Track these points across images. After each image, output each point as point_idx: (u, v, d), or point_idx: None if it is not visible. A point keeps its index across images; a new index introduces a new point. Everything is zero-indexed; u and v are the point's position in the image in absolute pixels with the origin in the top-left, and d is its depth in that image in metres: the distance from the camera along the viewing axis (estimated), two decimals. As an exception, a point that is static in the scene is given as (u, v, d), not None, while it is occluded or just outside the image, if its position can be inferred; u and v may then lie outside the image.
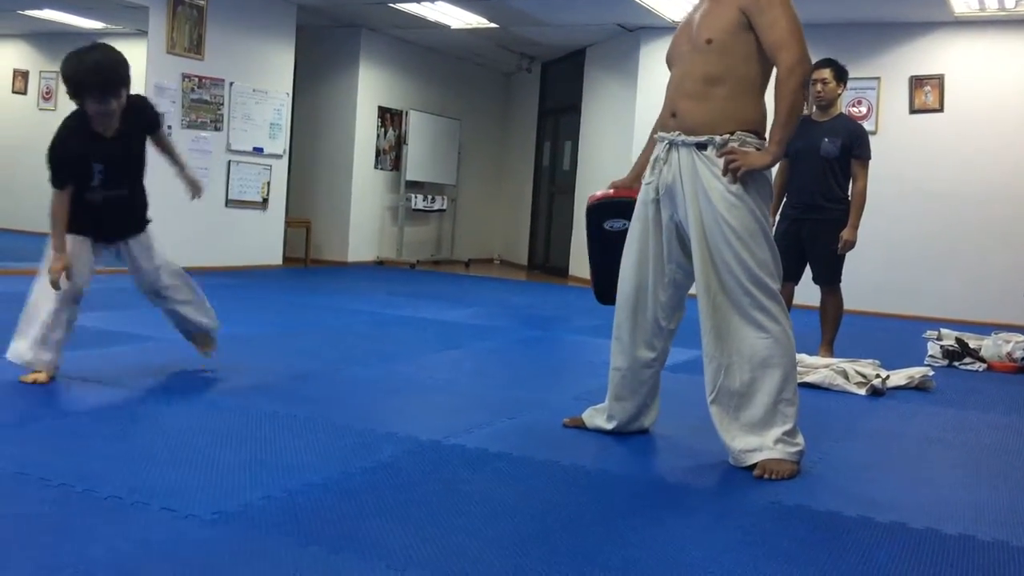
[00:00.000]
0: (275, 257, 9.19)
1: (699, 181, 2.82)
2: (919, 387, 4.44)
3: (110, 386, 3.47)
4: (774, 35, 2.77)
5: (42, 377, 3.36)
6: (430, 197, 11.07)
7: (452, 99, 11.45)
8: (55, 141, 3.34)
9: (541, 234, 11.81)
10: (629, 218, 3.07)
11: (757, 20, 2.78)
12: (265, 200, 8.95)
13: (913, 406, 4.08)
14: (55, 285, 3.25)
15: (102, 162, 3.40)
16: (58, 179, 3.33)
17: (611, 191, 3.25)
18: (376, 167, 10.46)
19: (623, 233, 3.09)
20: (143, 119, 3.56)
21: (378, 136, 10.44)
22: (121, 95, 3.34)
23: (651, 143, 3.18)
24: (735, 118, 2.83)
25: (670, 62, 3.02)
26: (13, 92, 10.20)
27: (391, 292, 7.67)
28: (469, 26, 9.47)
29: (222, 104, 8.43)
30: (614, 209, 3.16)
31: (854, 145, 4.95)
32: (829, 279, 5.11)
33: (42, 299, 3.36)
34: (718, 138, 2.81)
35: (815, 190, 4.94)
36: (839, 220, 4.97)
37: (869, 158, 5.02)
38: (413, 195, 10.78)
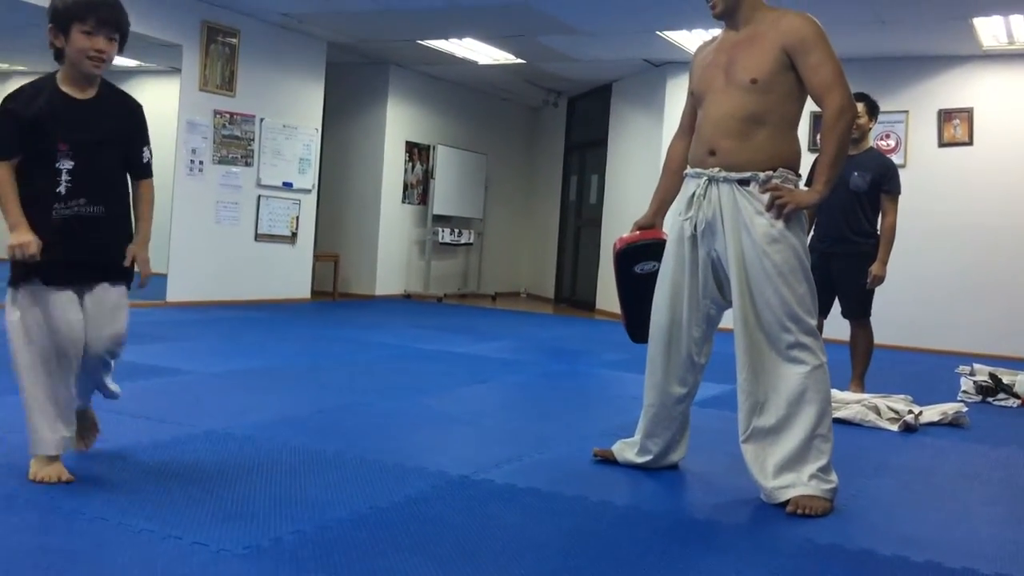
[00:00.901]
0: (303, 291, 9.25)
1: (740, 216, 2.82)
2: (953, 423, 4.38)
3: (143, 419, 3.49)
4: (821, 77, 2.79)
5: (65, 475, 2.60)
6: (457, 231, 11.12)
7: (479, 134, 11.54)
8: (11, 94, 2.60)
9: (568, 268, 11.82)
10: (658, 259, 3.07)
11: (801, 61, 2.80)
12: (294, 234, 9.03)
13: (947, 442, 4.03)
14: (16, 263, 2.56)
15: (70, 148, 2.58)
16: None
17: (638, 233, 3.24)
18: (404, 201, 10.54)
19: (654, 275, 3.09)
20: (133, 123, 2.76)
21: (406, 171, 10.53)
22: (119, 41, 2.67)
23: (668, 179, 3.21)
24: (776, 155, 2.85)
25: (700, 96, 2.99)
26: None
27: (418, 325, 7.69)
28: (496, 62, 9.56)
29: (253, 140, 8.54)
30: (645, 252, 3.16)
31: (884, 180, 4.94)
32: (859, 313, 5.08)
33: (30, 384, 2.64)
34: (761, 175, 2.82)
35: (843, 224, 4.92)
36: (867, 254, 4.94)
37: (899, 193, 5.01)
38: (440, 229, 10.84)
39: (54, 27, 2.58)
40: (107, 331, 2.71)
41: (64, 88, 2.62)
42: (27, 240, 2.50)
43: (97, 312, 2.68)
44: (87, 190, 2.61)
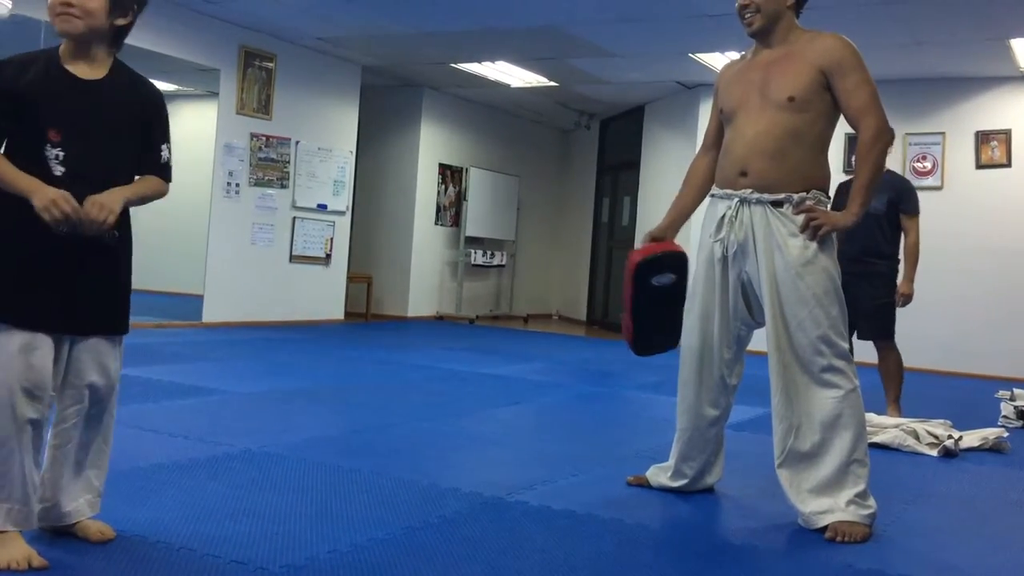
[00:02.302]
0: (337, 312, 9.31)
1: (773, 238, 2.80)
2: (993, 448, 4.31)
3: (180, 438, 3.52)
4: (858, 100, 2.78)
5: (35, 561, 2.05)
6: (489, 253, 11.15)
7: (511, 156, 11.59)
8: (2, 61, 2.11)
9: (600, 290, 11.79)
10: (675, 271, 3.03)
11: (838, 83, 2.79)
12: (328, 256, 9.09)
13: (987, 468, 3.97)
14: (49, 225, 2.02)
15: (63, 138, 2.09)
16: None
17: (654, 245, 3.15)
18: (436, 223, 10.59)
19: (669, 287, 3.04)
20: (149, 114, 2.30)
21: (438, 192, 10.58)
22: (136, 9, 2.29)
23: (687, 193, 3.19)
24: (809, 176, 2.83)
25: (730, 114, 2.96)
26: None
27: (451, 347, 7.70)
28: (529, 84, 9.60)
29: (288, 162, 8.64)
30: (661, 264, 3.09)
31: (901, 200, 4.93)
32: (882, 335, 4.98)
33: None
34: (795, 196, 2.80)
35: (861, 246, 4.87)
36: (885, 275, 4.92)
37: (918, 212, 4.98)
38: (473, 251, 10.87)
39: None
40: (102, 380, 2.24)
41: (65, 64, 2.15)
42: (54, 195, 2.01)
43: (92, 364, 2.21)
44: (82, 191, 2.07)
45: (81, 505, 2.24)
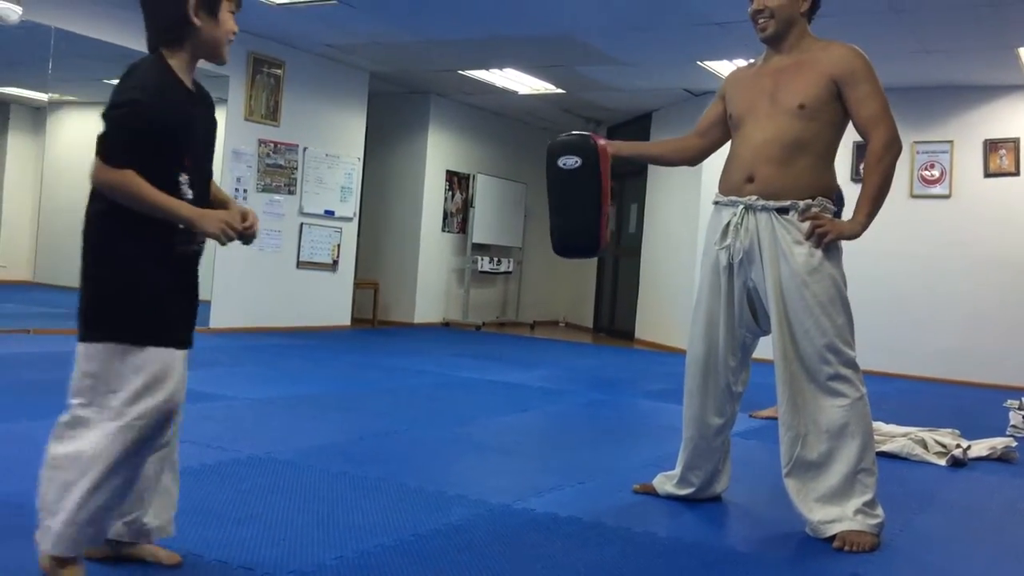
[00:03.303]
0: (344, 318, 9.32)
1: (779, 245, 2.80)
2: (1002, 458, 4.30)
3: (188, 444, 3.52)
4: (869, 110, 2.78)
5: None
6: (496, 259, 11.15)
7: (518, 163, 11.59)
8: (133, 82, 1.99)
9: (607, 297, 11.79)
10: (581, 156, 2.97)
11: (850, 92, 2.79)
12: (335, 262, 9.11)
13: (997, 478, 3.95)
14: (219, 239, 2.04)
15: (192, 162, 2.07)
16: (117, 147, 1.95)
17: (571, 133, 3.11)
18: (443, 230, 10.60)
19: (575, 171, 2.97)
20: (215, 116, 2.27)
21: (446, 199, 10.60)
22: None
23: (656, 144, 3.30)
24: (815, 184, 2.83)
25: (739, 119, 2.96)
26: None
27: (458, 354, 7.70)
28: (536, 92, 9.62)
29: (296, 168, 8.66)
30: (570, 147, 3.02)
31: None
32: None
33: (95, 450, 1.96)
34: (801, 203, 2.80)
35: None
36: None
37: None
38: (479, 257, 10.87)
39: (199, 2, 2.04)
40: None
41: (181, 77, 2.07)
42: (223, 216, 2.03)
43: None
44: (203, 207, 2.08)
45: (164, 523, 2.20)
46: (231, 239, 2.03)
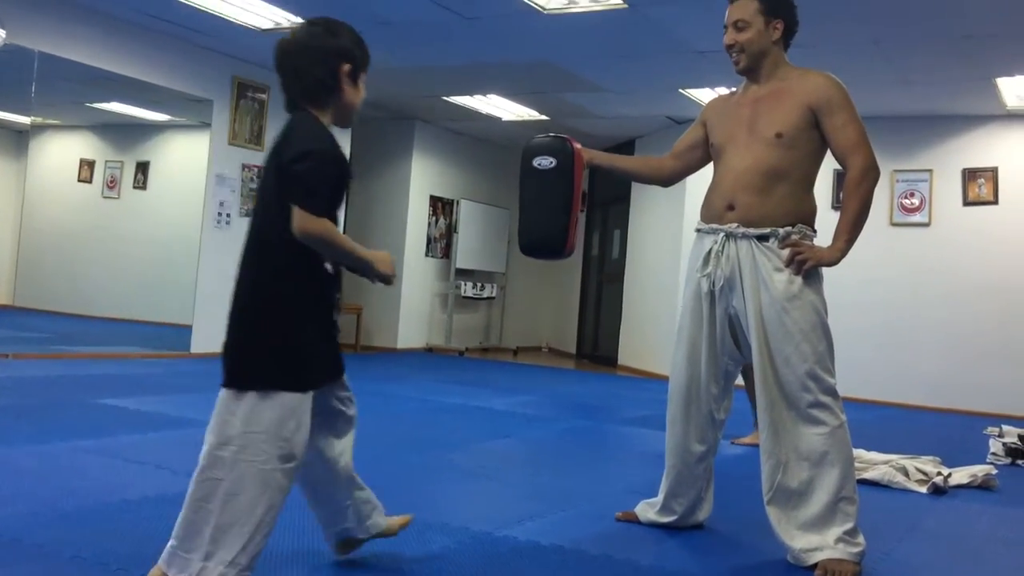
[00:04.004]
0: (326, 343, 9.27)
1: (759, 273, 2.81)
2: (982, 485, 4.31)
3: (167, 471, 3.50)
4: (846, 138, 2.81)
5: None
6: (479, 285, 11.16)
7: (502, 188, 11.62)
8: (322, 143, 2.11)
9: (590, 323, 11.80)
10: (556, 157, 2.97)
11: (827, 120, 2.82)
12: (318, 286, 9.08)
13: (977, 505, 3.96)
14: (388, 280, 2.19)
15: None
16: (321, 197, 2.05)
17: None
18: (427, 255, 10.60)
19: (549, 171, 2.97)
20: None
21: (429, 224, 10.61)
22: None
23: (632, 159, 3.42)
24: (795, 212, 2.85)
25: (720, 148, 3.00)
26: (79, 181, 10.57)
27: (440, 379, 7.68)
28: (520, 118, 9.67)
29: (279, 193, 8.64)
30: (546, 148, 3.02)
31: None
32: None
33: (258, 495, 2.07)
34: (781, 231, 2.82)
35: None
36: None
37: None
38: (463, 282, 10.88)
39: (352, 69, 2.21)
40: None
41: None
42: (388, 256, 2.20)
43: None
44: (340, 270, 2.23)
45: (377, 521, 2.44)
46: (393, 278, 2.20)
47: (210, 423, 2.12)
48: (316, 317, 2.16)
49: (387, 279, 2.18)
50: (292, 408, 2.08)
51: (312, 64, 2.16)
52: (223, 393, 2.12)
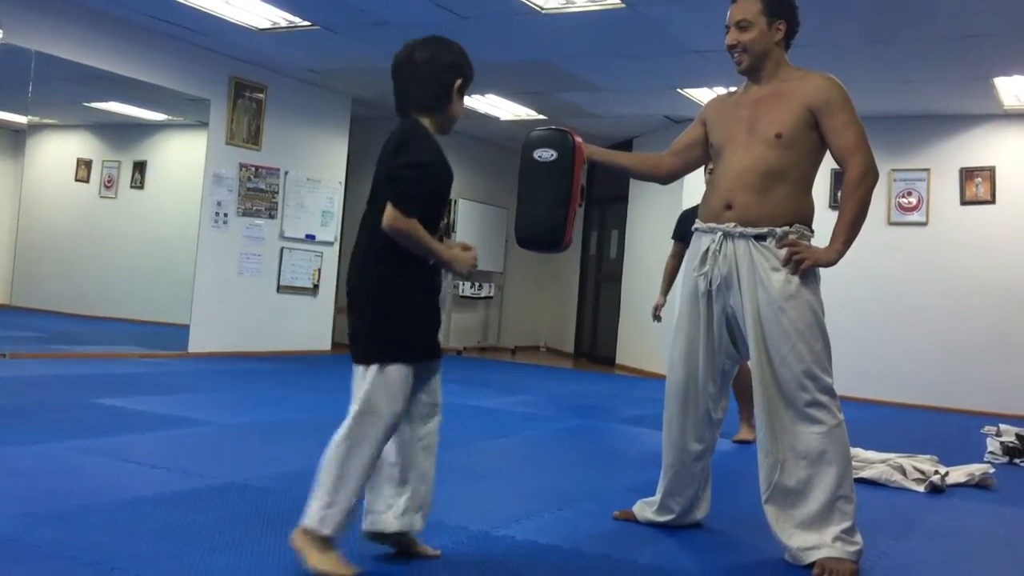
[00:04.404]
0: (324, 343, 9.27)
1: (756, 272, 2.81)
2: (980, 484, 4.31)
3: (163, 470, 3.49)
4: (846, 139, 2.81)
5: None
6: (477, 284, 11.15)
7: (499, 188, 11.62)
8: (428, 144, 2.44)
9: (588, 322, 11.80)
10: (557, 150, 2.95)
11: (826, 122, 2.82)
12: (316, 286, 9.08)
13: (974, 504, 3.96)
14: (466, 277, 2.60)
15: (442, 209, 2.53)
16: (412, 201, 2.34)
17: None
18: (425, 254, 10.59)
19: (550, 164, 2.96)
20: None
21: (427, 224, 10.59)
22: None
23: (632, 156, 3.36)
24: (793, 212, 2.85)
25: (720, 147, 3.00)
26: (76, 180, 10.57)
27: (438, 379, 7.66)
28: (518, 118, 9.67)
29: (277, 192, 8.64)
30: (547, 141, 3.01)
31: None
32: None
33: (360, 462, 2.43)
34: (778, 230, 2.82)
35: None
36: None
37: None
38: (460, 282, 10.87)
39: (462, 84, 2.52)
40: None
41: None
42: (470, 257, 2.46)
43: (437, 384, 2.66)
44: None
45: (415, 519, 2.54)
46: (473, 274, 2.30)
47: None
48: (416, 298, 2.42)
49: (466, 276, 2.35)
50: (398, 379, 2.39)
51: (430, 78, 2.45)
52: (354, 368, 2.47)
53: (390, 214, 2.31)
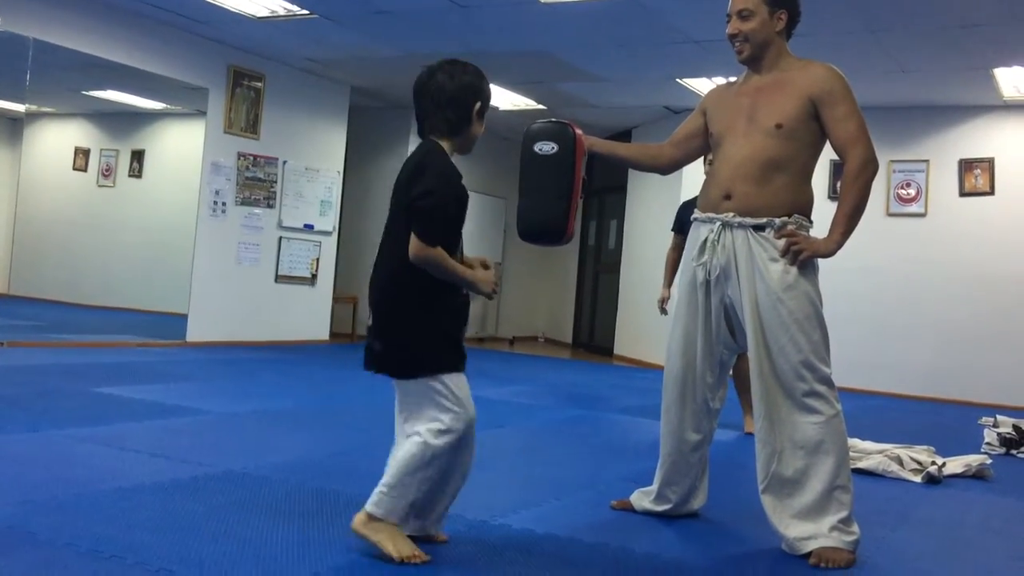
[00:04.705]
0: (322, 333, 9.28)
1: (755, 262, 2.81)
2: (977, 475, 4.32)
3: (162, 458, 3.50)
4: (846, 130, 2.80)
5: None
6: (476, 274, 11.13)
7: (499, 178, 11.61)
8: (443, 170, 2.50)
9: (586, 312, 11.81)
10: (558, 143, 2.93)
11: (827, 112, 2.81)
12: (314, 276, 9.07)
13: (971, 495, 3.97)
14: (489, 296, 2.56)
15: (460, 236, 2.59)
16: (435, 231, 2.43)
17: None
18: (423, 244, 10.57)
19: (551, 157, 2.94)
20: None
21: (426, 214, 10.57)
22: None
23: (631, 146, 3.40)
24: (792, 202, 2.85)
25: (719, 137, 2.99)
26: (74, 169, 10.55)
27: (436, 369, 7.66)
28: (517, 108, 9.65)
29: (275, 182, 8.63)
30: (547, 133, 2.98)
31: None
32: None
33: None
34: (777, 220, 2.81)
35: None
36: None
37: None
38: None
39: (481, 109, 2.57)
40: None
41: None
42: (490, 276, 2.53)
43: None
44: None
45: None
46: (495, 294, 2.57)
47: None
48: (444, 312, 2.50)
49: (488, 295, 2.54)
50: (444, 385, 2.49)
51: (451, 101, 2.51)
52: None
53: (415, 245, 2.40)
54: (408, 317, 2.49)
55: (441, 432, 2.48)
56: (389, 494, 2.46)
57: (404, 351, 2.50)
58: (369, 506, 2.47)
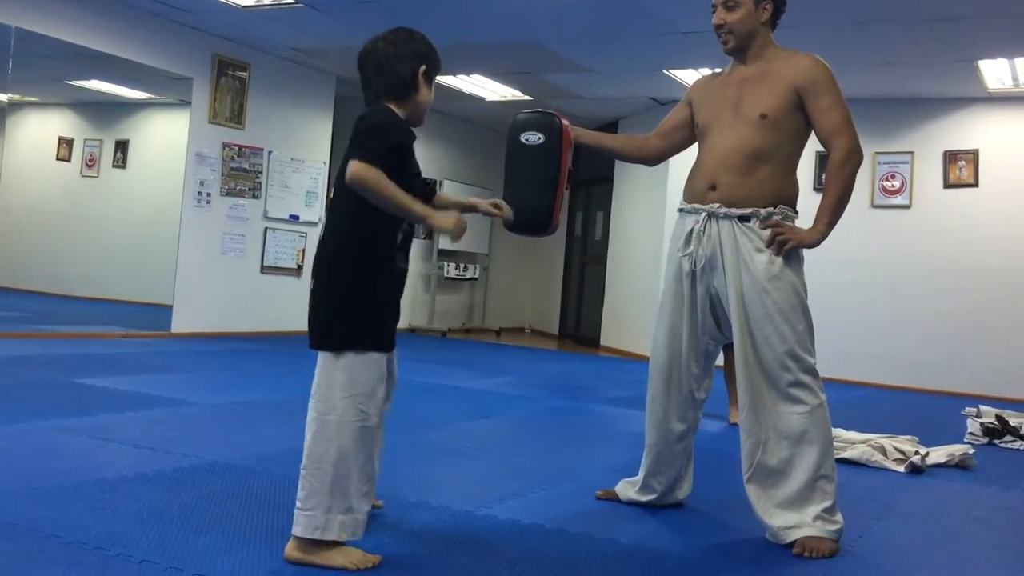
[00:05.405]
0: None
1: (740, 253, 2.82)
2: (960, 465, 4.35)
3: (146, 449, 3.48)
4: (830, 120, 2.81)
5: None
6: (462, 265, 11.14)
7: (485, 169, 11.59)
8: (381, 111, 2.41)
9: (572, 304, 11.82)
10: (544, 133, 2.94)
11: (812, 102, 2.81)
12: (299, 267, 9.04)
13: (954, 485, 4.00)
14: (454, 235, 2.35)
15: (415, 173, 2.48)
16: (370, 149, 2.27)
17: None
18: (409, 235, 10.56)
19: (537, 147, 2.94)
20: None
21: (412, 205, 10.55)
22: None
23: (617, 138, 3.36)
24: (777, 193, 2.85)
25: (705, 128, 2.99)
26: (57, 159, 10.47)
27: (422, 360, 7.67)
28: (503, 98, 9.63)
29: (260, 172, 8.59)
30: (533, 123, 2.99)
31: None
32: None
33: (349, 454, 2.36)
34: (762, 211, 2.82)
35: None
36: None
37: None
38: (446, 263, 10.86)
39: (428, 72, 2.49)
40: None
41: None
42: (457, 217, 2.36)
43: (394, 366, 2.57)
44: (408, 245, 2.48)
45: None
46: (462, 233, 2.34)
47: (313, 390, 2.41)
48: (381, 285, 2.39)
49: (449, 231, 2.33)
50: (377, 366, 2.38)
51: (394, 63, 2.43)
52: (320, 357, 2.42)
53: (351, 168, 2.25)
54: (333, 289, 2.38)
55: (331, 415, 2.36)
56: (306, 510, 2.32)
57: (316, 320, 2.41)
58: (295, 529, 2.32)
